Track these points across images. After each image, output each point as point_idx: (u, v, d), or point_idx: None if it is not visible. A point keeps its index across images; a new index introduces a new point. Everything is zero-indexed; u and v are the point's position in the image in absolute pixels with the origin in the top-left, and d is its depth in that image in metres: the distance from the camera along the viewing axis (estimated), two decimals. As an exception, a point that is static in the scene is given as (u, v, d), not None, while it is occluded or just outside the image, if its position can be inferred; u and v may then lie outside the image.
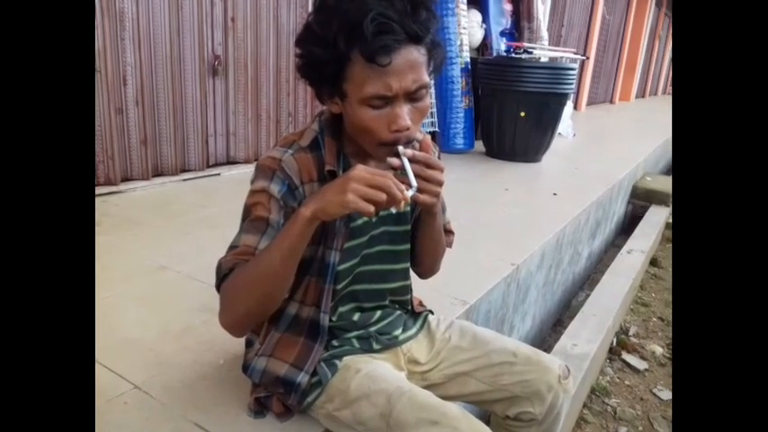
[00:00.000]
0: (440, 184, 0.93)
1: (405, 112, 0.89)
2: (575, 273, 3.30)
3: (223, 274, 0.94)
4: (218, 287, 0.96)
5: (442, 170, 0.93)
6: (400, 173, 0.90)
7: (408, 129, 0.89)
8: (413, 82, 0.87)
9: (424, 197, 0.91)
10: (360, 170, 0.84)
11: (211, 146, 3.13)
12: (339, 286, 1.05)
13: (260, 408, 1.11)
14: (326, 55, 0.86)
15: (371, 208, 0.82)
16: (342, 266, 1.03)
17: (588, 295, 2.91)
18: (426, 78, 0.90)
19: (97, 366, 1.26)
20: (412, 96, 0.89)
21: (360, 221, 1.04)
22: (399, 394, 0.95)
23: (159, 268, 1.84)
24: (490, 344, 1.16)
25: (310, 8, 3.40)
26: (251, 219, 0.96)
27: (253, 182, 0.98)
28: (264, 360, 1.06)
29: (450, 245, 1.23)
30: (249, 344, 1.13)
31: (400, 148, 0.90)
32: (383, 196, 0.82)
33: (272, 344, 1.06)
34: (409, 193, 0.87)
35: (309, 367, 1.03)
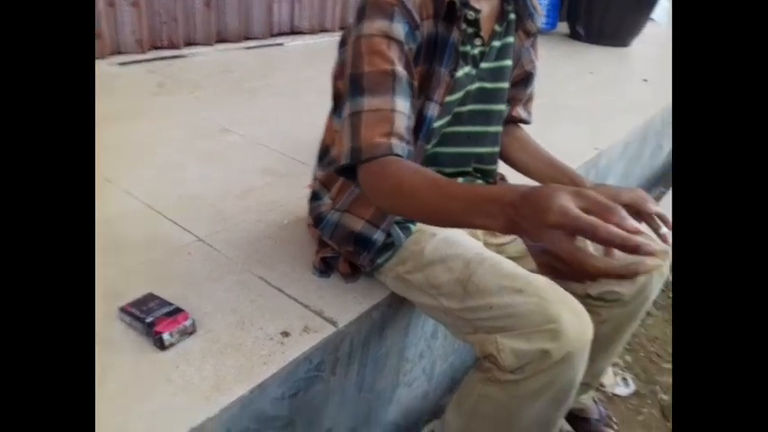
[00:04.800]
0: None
1: None
2: (653, 168, 3.05)
3: (365, 158, 0.77)
4: (346, 168, 0.81)
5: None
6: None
7: None
8: None
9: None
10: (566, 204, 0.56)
11: (275, 12, 2.94)
12: (429, 145, 0.93)
13: (325, 267, 1.06)
14: None
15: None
16: (437, 123, 0.91)
17: (664, 193, 2.69)
18: None
19: (160, 218, 1.24)
20: None
21: (461, 73, 0.90)
22: (480, 260, 0.86)
23: (222, 130, 1.78)
24: (578, 219, 1.04)
25: None
26: (371, 73, 0.79)
27: (361, 22, 0.81)
28: (338, 215, 0.99)
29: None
30: (316, 197, 1.06)
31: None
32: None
33: (349, 200, 0.98)
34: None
35: (386, 226, 0.94)
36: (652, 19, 4.51)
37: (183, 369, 0.82)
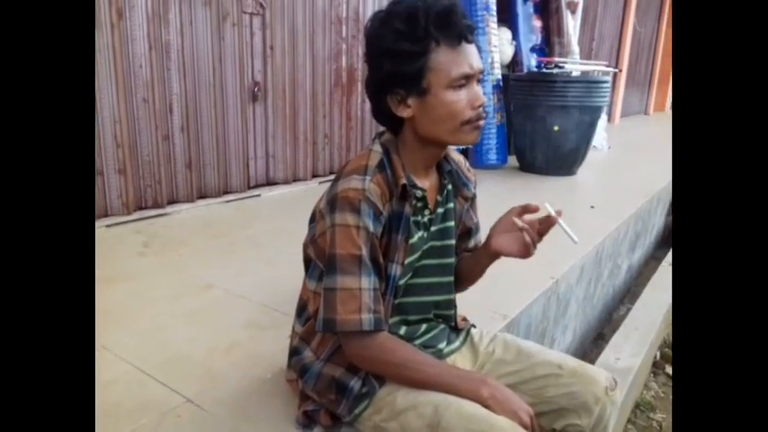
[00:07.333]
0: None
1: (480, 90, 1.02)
2: (615, 286, 3.24)
3: (338, 330, 1.00)
4: (327, 332, 1.04)
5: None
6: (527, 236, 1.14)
7: (484, 104, 1.01)
8: (479, 62, 1.01)
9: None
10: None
11: (252, 168, 3.22)
12: (397, 300, 1.08)
13: (307, 421, 1.14)
14: (415, 47, 0.96)
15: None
16: (401, 281, 1.07)
17: (629, 309, 2.84)
18: None
19: (151, 381, 1.32)
20: (477, 78, 1.02)
21: (415, 238, 1.08)
22: (447, 405, 0.97)
23: (206, 286, 1.91)
24: (534, 356, 1.17)
25: (344, 34, 3.49)
26: (342, 255, 0.99)
27: (334, 213, 1.01)
28: (321, 364, 1.10)
29: None
30: (297, 352, 1.16)
31: (549, 207, 1.12)
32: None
33: (330, 351, 1.10)
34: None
35: (362, 373, 1.06)
36: (594, 147, 4.99)
37: None
